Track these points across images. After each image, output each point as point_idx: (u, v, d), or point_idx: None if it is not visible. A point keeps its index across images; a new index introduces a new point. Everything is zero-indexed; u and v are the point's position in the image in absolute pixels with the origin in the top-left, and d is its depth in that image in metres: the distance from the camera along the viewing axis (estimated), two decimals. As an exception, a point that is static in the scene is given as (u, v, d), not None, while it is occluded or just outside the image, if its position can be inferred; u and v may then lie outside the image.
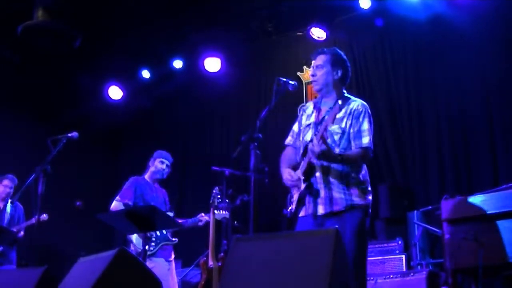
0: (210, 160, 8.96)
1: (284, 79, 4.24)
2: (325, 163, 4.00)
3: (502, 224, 4.46)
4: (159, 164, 6.45)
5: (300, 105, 4.51)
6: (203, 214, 6.40)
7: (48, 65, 9.26)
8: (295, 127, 4.45)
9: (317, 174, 4.03)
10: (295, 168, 4.17)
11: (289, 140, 4.45)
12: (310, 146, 3.87)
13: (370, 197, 4.12)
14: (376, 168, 8.00)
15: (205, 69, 9.33)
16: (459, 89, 7.50)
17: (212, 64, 9.27)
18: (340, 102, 4.03)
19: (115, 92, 10.05)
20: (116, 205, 6.13)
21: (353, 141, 4.07)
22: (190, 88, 9.94)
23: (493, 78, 7.21)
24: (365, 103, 4.24)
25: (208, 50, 9.21)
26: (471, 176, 7.17)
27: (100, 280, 2.97)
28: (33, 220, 7.10)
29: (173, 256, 6.32)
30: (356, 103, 4.18)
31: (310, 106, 4.38)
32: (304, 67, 8.80)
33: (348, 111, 4.11)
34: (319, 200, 3.98)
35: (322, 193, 3.98)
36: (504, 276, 4.77)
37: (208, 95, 9.81)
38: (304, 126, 4.29)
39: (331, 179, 4.00)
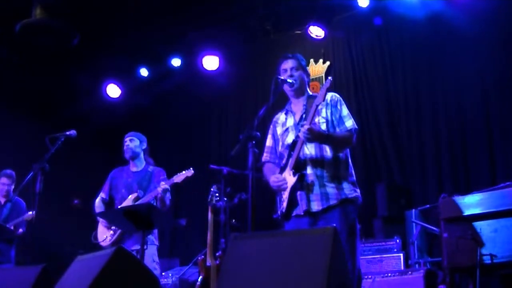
0: (208, 158, 8.98)
1: (282, 78, 4.26)
2: (316, 157, 4.07)
3: (499, 222, 4.47)
4: (124, 145, 6.27)
5: (273, 119, 4.52)
6: (163, 183, 5.82)
7: (46, 63, 9.25)
8: (269, 142, 4.48)
9: (308, 169, 4.07)
10: (281, 172, 4.21)
11: (265, 157, 4.46)
12: (302, 128, 3.93)
13: (358, 190, 4.17)
14: (374, 167, 8.03)
15: (204, 68, 9.32)
16: (457, 88, 7.51)
17: (211, 62, 9.26)
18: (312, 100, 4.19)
19: (113, 90, 10.05)
20: (97, 200, 6.12)
21: (337, 127, 4.18)
22: (189, 86, 9.93)
23: (491, 77, 7.22)
24: (335, 93, 4.35)
25: (206, 49, 9.21)
26: (469, 175, 7.19)
27: (98, 278, 2.97)
28: (27, 215, 7.07)
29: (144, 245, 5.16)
30: (329, 94, 4.27)
31: (281, 116, 4.46)
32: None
33: (325, 103, 4.20)
34: (313, 196, 4.02)
35: (316, 189, 4.02)
36: (501, 275, 4.78)
37: (206, 94, 9.81)
38: (281, 134, 4.35)
39: (323, 174, 4.05)
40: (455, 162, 7.33)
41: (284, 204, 4.10)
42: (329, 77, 4.09)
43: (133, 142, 6.10)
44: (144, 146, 6.19)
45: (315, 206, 4.01)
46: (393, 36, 8.24)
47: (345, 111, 4.21)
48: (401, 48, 8.13)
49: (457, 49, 7.52)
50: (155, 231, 5.91)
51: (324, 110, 4.14)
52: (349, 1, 8.24)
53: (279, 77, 4.27)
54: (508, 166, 6.76)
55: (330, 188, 4.02)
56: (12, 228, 7.11)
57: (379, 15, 8.15)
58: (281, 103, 4.52)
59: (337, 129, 4.16)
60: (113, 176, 6.23)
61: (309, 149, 4.09)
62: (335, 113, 4.19)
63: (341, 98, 4.29)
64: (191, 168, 5.81)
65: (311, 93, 4.42)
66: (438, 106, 7.64)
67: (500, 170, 6.82)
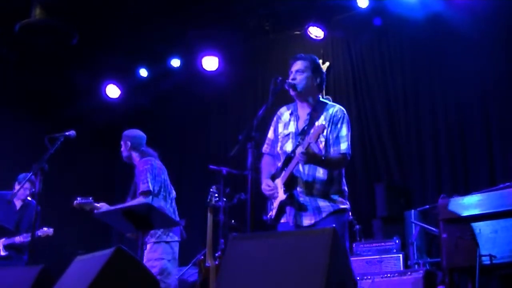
0: (208, 158, 8.96)
1: (281, 78, 4.25)
2: (307, 177, 4.08)
3: (499, 223, 4.47)
4: None
5: (277, 113, 4.49)
6: None
7: (46, 63, 9.24)
8: (270, 135, 4.46)
9: (299, 188, 4.08)
10: (274, 176, 4.22)
11: (265, 148, 4.46)
12: (298, 150, 3.91)
13: (348, 203, 4.19)
14: (373, 167, 8.03)
15: (203, 68, 9.31)
16: (457, 89, 7.51)
17: (210, 62, 9.26)
18: (317, 112, 4.17)
19: (112, 91, 10.05)
20: None
21: (332, 147, 4.14)
22: (188, 86, 9.93)
23: (490, 78, 7.22)
24: (342, 108, 4.29)
25: (205, 49, 9.20)
26: (468, 175, 7.19)
27: (97, 278, 2.97)
28: (43, 232, 6.94)
29: (144, 245, 5.41)
30: (335, 108, 4.23)
31: (285, 114, 4.40)
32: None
33: (328, 118, 4.15)
34: (304, 213, 4.04)
35: (307, 207, 4.04)
36: (500, 275, 4.78)
37: (205, 94, 9.82)
38: (282, 136, 4.32)
39: (314, 191, 4.07)
40: (454, 162, 7.33)
41: (273, 212, 4.15)
42: (323, 123, 4.04)
43: (121, 147, 5.97)
44: (129, 144, 5.88)
45: (307, 221, 4.04)
46: (393, 36, 8.24)
47: (344, 131, 4.14)
48: (401, 49, 8.13)
49: (456, 49, 7.52)
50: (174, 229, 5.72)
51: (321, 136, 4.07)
52: (349, 2, 8.24)
53: (279, 77, 4.25)
54: (507, 166, 6.76)
55: (322, 202, 4.04)
56: (11, 229, 7.05)
57: (379, 15, 8.15)
58: (280, 103, 4.50)
59: (331, 149, 4.13)
60: None
61: (303, 167, 4.09)
62: (334, 131, 4.14)
63: (345, 115, 4.22)
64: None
65: (321, 98, 4.36)
66: (437, 107, 7.65)
67: (499, 171, 6.82)
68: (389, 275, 5.87)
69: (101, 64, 9.52)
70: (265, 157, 4.46)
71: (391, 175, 7.82)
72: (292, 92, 4.26)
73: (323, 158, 4.00)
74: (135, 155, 5.89)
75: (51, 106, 9.58)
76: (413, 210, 6.75)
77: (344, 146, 4.11)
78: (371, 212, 7.41)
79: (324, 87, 4.46)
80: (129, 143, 5.89)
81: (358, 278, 5.36)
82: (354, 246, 6.70)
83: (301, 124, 4.25)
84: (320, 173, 4.09)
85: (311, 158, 3.91)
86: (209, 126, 10.10)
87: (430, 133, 7.62)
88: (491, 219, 4.50)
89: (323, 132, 3.94)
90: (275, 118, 4.48)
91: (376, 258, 6.51)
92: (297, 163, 4.00)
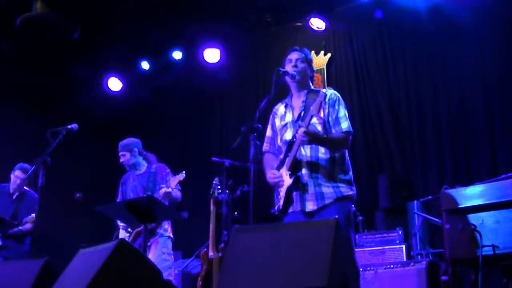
0: (210, 151, 8.98)
1: (283, 70, 4.27)
2: (311, 159, 4.11)
3: (501, 213, 4.46)
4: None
5: (272, 110, 4.53)
6: (163, 188, 5.84)
7: (47, 57, 9.24)
8: (269, 133, 4.51)
9: (303, 170, 4.11)
10: (278, 168, 4.24)
11: (265, 146, 4.49)
12: (300, 131, 3.96)
13: (354, 188, 4.22)
14: (375, 158, 8.03)
15: (205, 60, 9.31)
16: (458, 80, 7.49)
17: (212, 55, 9.25)
18: (311, 95, 4.23)
19: (114, 84, 10.04)
20: None
21: (333, 128, 4.19)
22: (190, 79, 9.92)
23: (492, 69, 7.20)
24: (335, 91, 4.36)
25: (207, 41, 9.20)
26: (470, 166, 7.18)
27: (101, 272, 2.97)
28: (33, 216, 6.94)
29: (152, 238, 5.94)
30: (328, 92, 4.30)
31: (280, 108, 4.46)
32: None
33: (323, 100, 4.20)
34: (308, 196, 4.06)
35: (311, 189, 4.07)
36: (503, 266, 4.79)
37: (207, 86, 9.80)
38: (280, 127, 4.37)
39: (318, 175, 4.08)
40: (456, 153, 7.33)
41: (281, 202, 4.15)
42: (324, 90, 4.15)
43: (124, 157, 6.22)
44: (136, 151, 6.22)
45: (310, 206, 4.06)
46: (394, 29, 8.20)
47: (342, 111, 4.23)
48: (402, 41, 8.10)
49: (458, 41, 7.50)
50: (166, 224, 5.96)
51: (321, 110, 4.14)
52: (350, -7, 8.24)
53: (281, 69, 4.28)
54: (509, 157, 6.75)
55: (326, 188, 4.06)
56: (15, 223, 7.06)
57: (380, 7, 8.11)
58: (283, 95, 4.51)
59: (333, 130, 4.18)
60: (123, 181, 6.33)
61: (305, 150, 4.13)
62: (332, 113, 4.21)
63: (339, 97, 4.30)
64: (183, 172, 5.82)
65: (312, 87, 4.43)
66: (439, 98, 7.63)
67: (501, 161, 6.82)
68: (392, 266, 5.88)
69: (103, 57, 9.50)
70: (266, 155, 4.48)
71: (394, 166, 7.81)
72: (292, 81, 4.30)
73: (324, 136, 4.09)
74: (142, 161, 6.26)
75: (53, 100, 9.57)
76: (415, 201, 6.76)
77: (345, 125, 4.19)
78: (373, 204, 7.42)
79: (314, 80, 4.54)
80: (136, 150, 6.23)
81: (361, 269, 5.36)
82: (357, 237, 6.71)
83: (297, 112, 4.29)
84: (322, 152, 4.12)
85: (313, 137, 3.98)
86: (211, 118, 10.09)
87: (432, 124, 7.61)
88: (493, 210, 4.49)
89: (324, 99, 4.02)
90: (271, 116, 4.52)
91: (379, 249, 6.52)
92: (299, 146, 4.04)
